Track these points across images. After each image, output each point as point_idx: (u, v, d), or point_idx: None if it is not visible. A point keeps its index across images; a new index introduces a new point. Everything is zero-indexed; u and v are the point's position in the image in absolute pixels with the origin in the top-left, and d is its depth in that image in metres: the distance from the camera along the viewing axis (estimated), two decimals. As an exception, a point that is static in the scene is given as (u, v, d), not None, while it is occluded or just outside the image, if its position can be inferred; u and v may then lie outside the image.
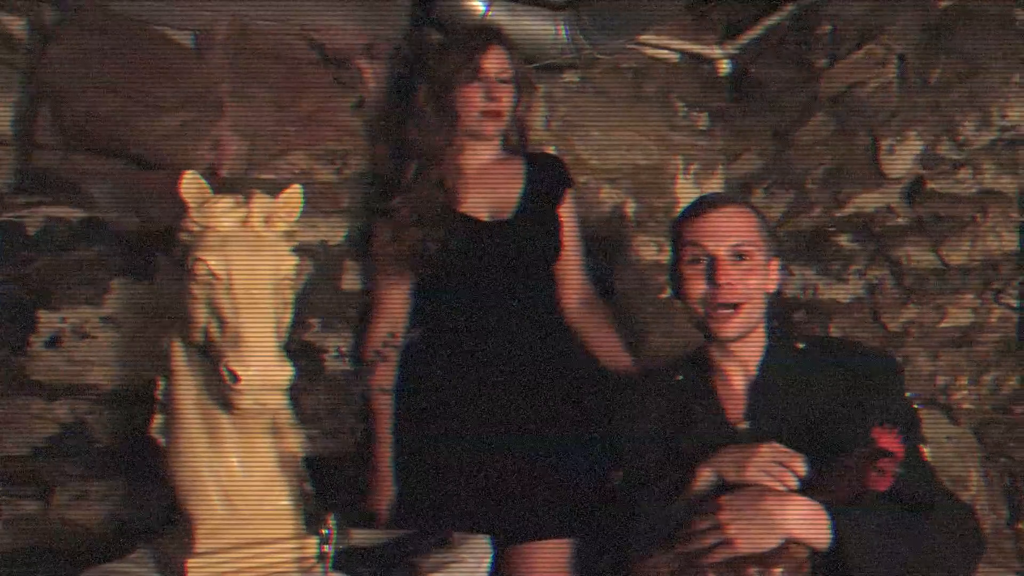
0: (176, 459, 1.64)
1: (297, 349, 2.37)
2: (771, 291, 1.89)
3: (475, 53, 2.35)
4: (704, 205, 1.87)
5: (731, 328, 1.81)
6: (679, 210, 3.00)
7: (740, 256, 1.81)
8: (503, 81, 2.36)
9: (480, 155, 2.43)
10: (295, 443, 1.72)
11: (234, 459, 1.64)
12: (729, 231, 1.81)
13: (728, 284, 1.79)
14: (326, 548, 1.54)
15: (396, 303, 2.39)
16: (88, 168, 2.27)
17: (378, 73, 2.67)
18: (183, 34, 2.45)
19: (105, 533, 2.18)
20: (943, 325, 2.38)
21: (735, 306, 1.80)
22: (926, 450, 1.79)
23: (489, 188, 2.39)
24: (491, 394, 2.22)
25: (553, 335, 2.36)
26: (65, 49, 2.24)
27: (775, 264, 1.90)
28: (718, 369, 1.89)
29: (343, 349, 2.57)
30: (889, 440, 1.53)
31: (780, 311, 1.86)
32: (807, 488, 1.60)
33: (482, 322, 2.28)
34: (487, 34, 2.41)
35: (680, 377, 1.97)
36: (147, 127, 2.32)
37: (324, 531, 1.53)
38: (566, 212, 2.45)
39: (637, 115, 3.13)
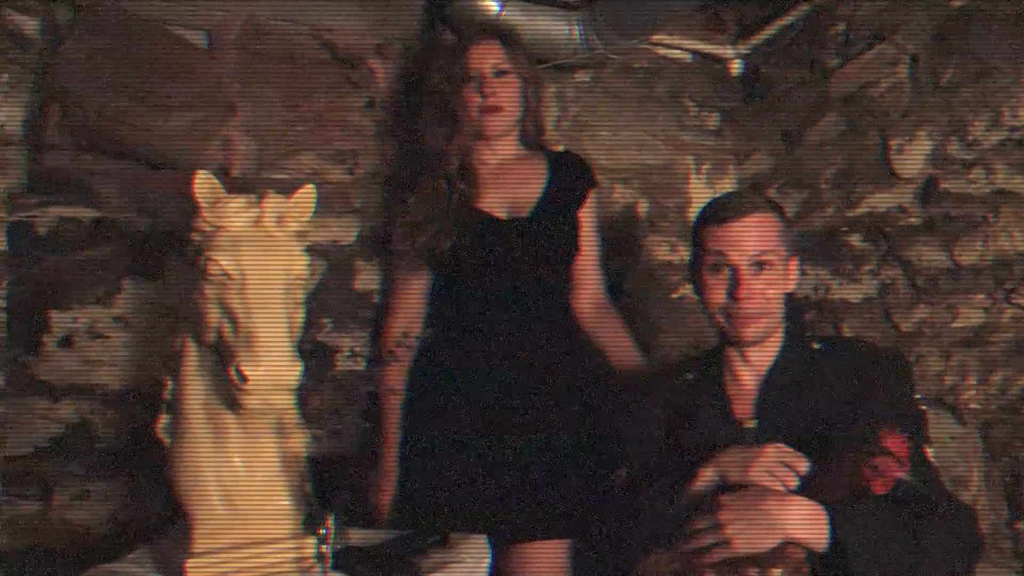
0: (179, 459, 1.65)
1: (310, 349, 2.39)
2: (790, 290, 1.88)
3: (461, 52, 2.35)
4: (728, 212, 1.83)
5: (751, 333, 1.81)
6: (692, 210, 3.04)
7: (761, 265, 1.79)
8: (499, 74, 2.34)
9: (498, 153, 2.42)
10: (299, 443, 1.72)
11: (237, 459, 1.65)
12: (753, 242, 1.79)
13: (749, 297, 1.78)
14: (324, 548, 1.55)
15: (412, 302, 2.39)
16: (98, 168, 2.29)
17: (389, 73, 2.68)
18: (195, 34, 2.47)
19: (105, 533, 2.19)
20: (955, 325, 2.37)
21: (755, 315, 1.80)
22: (930, 451, 1.78)
23: (508, 186, 2.38)
24: (497, 393, 2.21)
25: (563, 335, 2.35)
26: (76, 49, 2.26)
27: (794, 263, 1.89)
28: (731, 368, 1.88)
29: (356, 349, 2.57)
30: (895, 442, 1.52)
31: (792, 311, 1.86)
32: (804, 487, 1.60)
33: (493, 320, 2.28)
34: (477, 31, 2.41)
35: (691, 376, 1.96)
36: (157, 127, 2.33)
37: (322, 531, 1.54)
38: (586, 213, 2.43)
39: (648, 115, 3.12)
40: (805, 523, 1.53)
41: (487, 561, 1.77)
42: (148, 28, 2.37)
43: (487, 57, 2.34)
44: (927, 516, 1.55)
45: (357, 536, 1.79)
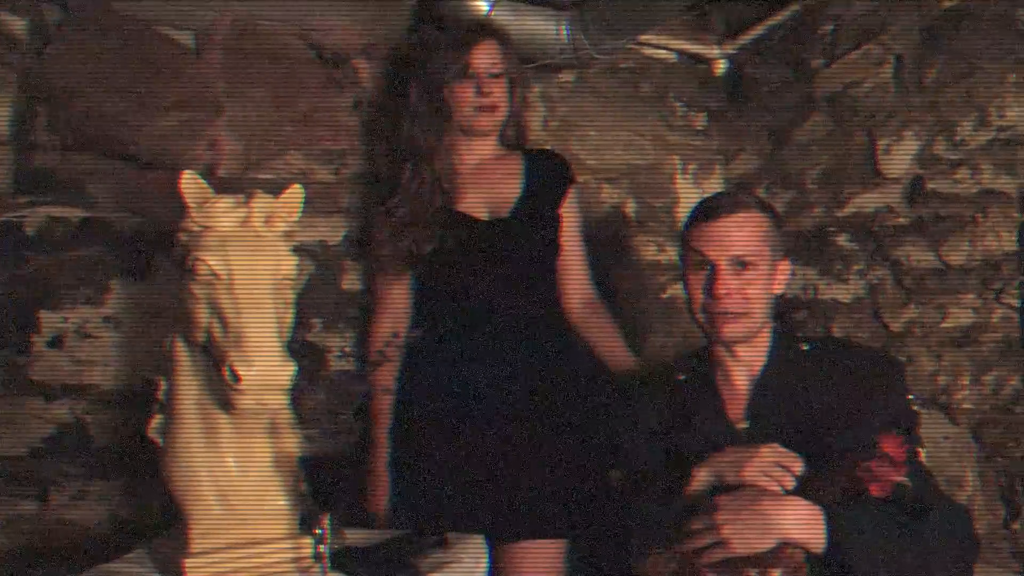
0: (173, 459, 1.64)
1: (300, 349, 2.38)
2: (777, 293, 1.87)
3: (465, 49, 2.34)
4: (713, 210, 1.83)
5: (730, 333, 1.81)
6: (679, 210, 3.05)
7: (742, 264, 1.79)
8: (494, 75, 2.34)
9: (477, 152, 2.42)
10: (293, 443, 1.72)
11: (231, 459, 1.65)
12: (734, 240, 1.79)
13: (727, 295, 1.78)
14: (322, 548, 1.54)
15: (397, 302, 2.38)
16: (87, 168, 2.28)
17: (375, 73, 2.68)
18: (183, 34, 2.45)
19: (103, 533, 2.19)
20: (944, 325, 2.38)
21: (734, 314, 1.80)
22: (923, 452, 1.79)
23: (487, 186, 2.38)
24: (489, 393, 2.20)
25: (552, 334, 2.35)
26: (64, 49, 2.26)
27: (784, 265, 1.88)
28: (722, 368, 1.88)
29: (347, 349, 2.57)
30: (892, 446, 1.52)
31: (781, 311, 1.86)
32: (800, 488, 1.60)
33: (480, 321, 2.27)
34: (477, 29, 2.40)
35: (683, 376, 1.96)
36: (145, 127, 2.33)
37: (318, 531, 1.54)
38: (568, 210, 2.43)
39: (634, 115, 3.13)
40: (801, 524, 1.53)
41: (485, 561, 1.77)
42: (136, 28, 2.36)
43: (487, 57, 2.34)
44: (924, 517, 1.56)
45: (355, 536, 1.79)
